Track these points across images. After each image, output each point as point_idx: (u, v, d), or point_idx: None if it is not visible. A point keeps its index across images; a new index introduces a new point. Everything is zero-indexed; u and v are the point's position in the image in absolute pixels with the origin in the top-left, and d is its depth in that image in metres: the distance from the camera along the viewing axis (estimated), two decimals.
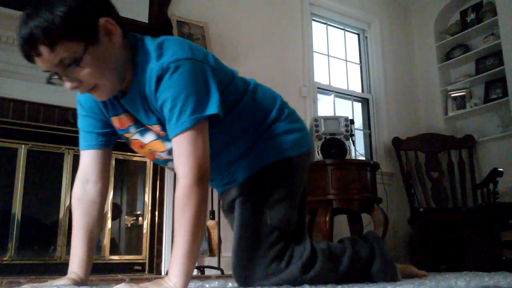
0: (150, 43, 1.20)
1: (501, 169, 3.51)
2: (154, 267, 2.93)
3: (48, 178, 2.80)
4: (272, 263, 1.26)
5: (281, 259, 1.27)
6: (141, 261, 2.91)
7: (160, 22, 3.19)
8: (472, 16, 4.39)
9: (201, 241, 1.10)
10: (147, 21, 3.14)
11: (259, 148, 1.36)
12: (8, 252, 2.51)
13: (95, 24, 1.07)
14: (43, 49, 1.01)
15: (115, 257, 2.85)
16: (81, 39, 1.04)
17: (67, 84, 1.09)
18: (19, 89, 2.64)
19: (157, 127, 1.24)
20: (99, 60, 1.08)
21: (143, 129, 1.28)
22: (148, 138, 1.29)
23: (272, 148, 1.37)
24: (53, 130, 2.72)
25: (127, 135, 1.32)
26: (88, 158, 1.33)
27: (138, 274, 2.82)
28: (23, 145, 2.65)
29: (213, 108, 1.12)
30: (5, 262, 2.49)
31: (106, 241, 2.81)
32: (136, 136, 1.30)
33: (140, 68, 1.16)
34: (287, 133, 1.40)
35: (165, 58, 1.13)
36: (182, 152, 1.10)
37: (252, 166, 1.35)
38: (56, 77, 1.08)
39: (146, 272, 2.86)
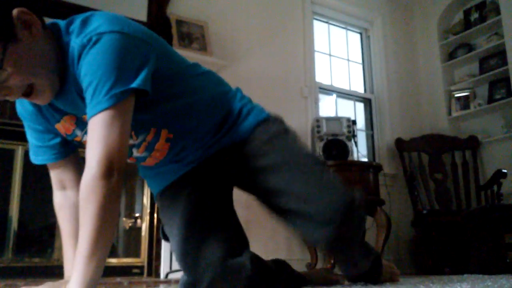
0: (74, 22, 1.05)
1: (505, 171, 3.48)
2: (152, 270, 2.90)
3: (46, 179, 2.75)
4: None
5: None
6: (139, 264, 2.88)
7: (159, 21, 3.17)
8: (476, 15, 4.35)
9: (107, 244, 0.94)
10: (146, 20, 3.12)
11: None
12: (6, 255, 2.49)
13: (9, 18, 0.93)
14: None
15: (113, 260, 2.82)
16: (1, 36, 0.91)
17: None
18: None
19: None
20: (23, 58, 0.95)
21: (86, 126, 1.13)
22: None
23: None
24: None
25: (77, 139, 1.19)
26: (54, 169, 1.24)
27: (136, 277, 2.80)
28: (20, 146, 2.63)
29: (136, 83, 0.97)
30: (2, 265, 2.47)
31: None
32: (85, 137, 1.14)
33: (67, 52, 1.02)
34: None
35: (86, 31, 0.99)
36: (93, 138, 0.95)
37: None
38: None
39: (145, 276, 2.84)
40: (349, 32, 4.50)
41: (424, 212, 3.69)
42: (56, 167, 1.24)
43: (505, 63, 3.96)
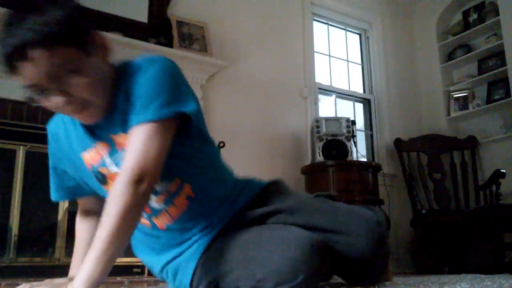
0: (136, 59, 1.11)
1: (504, 171, 3.49)
2: None
3: (47, 180, 2.77)
4: None
5: None
6: (140, 263, 2.89)
7: (159, 22, 3.18)
8: (475, 16, 4.36)
9: (120, 249, 0.94)
10: (146, 21, 3.13)
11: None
12: (7, 254, 2.50)
13: (89, 34, 0.99)
14: (39, 53, 0.88)
15: None
16: (78, 46, 0.94)
17: (55, 100, 0.95)
18: (18, 90, 2.62)
19: None
20: (92, 72, 0.97)
21: (119, 156, 1.10)
22: None
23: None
24: None
25: (103, 170, 1.13)
26: (80, 202, 1.29)
27: (137, 276, 2.80)
28: (21, 146, 2.64)
29: (187, 108, 1.00)
30: (4, 264, 2.47)
31: None
32: (113, 168, 1.12)
33: (123, 82, 1.05)
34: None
35: (144, 59, 1.06)
36: (132, 145, 0.96)
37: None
38: (39, 94, 0.95)
39: (146, 275, 2.84)
40: (348, 33, 4.52)
41: (423, 212, 3.71)
42: (81, 201, 1.29)
43: (503, 63, 3.98)
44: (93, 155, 1.13)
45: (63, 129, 1.17)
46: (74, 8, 0.97)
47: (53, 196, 1.27)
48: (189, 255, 1.19)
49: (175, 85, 1.02)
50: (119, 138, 1.08)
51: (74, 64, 0.93)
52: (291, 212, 1.21)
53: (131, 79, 1.03)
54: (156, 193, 1.13)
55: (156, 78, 1.00)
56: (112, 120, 1.06)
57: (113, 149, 1.10)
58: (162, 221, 1.18)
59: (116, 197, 0.93)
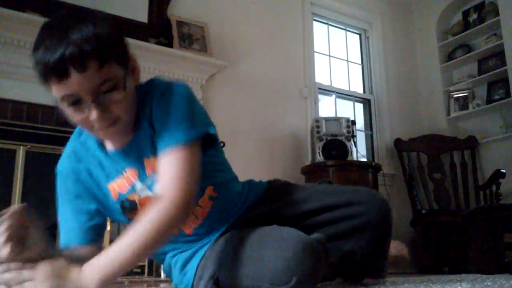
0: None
1: (504, 171, 3.49)
2: (153, 269, 2.91)
3: (47, 180, 2.76)
4: None
5: None
6: (140, 263, 2.89)
7: (159, 22, 3.18)
8: (475, 16, 4.36)
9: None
10: (146, 21, 3.13)
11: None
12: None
13: (129, 56, 1.03)
14: (92, 65, 0.90)
15: None
16: (123, 64, 0.98)
17: (91, 113, 0.94)
18: (18, 90, 2.62)
19: None
20: (129, 91, 1.00)
21: (150, 179, 1.12)
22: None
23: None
24: (52, 131, 2.70)
25: (132, 196, 1.13)
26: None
27: (137, 276, 2.80)
28: (21, 146, 2.64)
29: (211, 127, 1.08)
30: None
31: (105, 243, 2.79)
32: (145, 193, 1.12)
33: (145, 107, 1.09)
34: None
35: (164, 83, 1.09)
36: (170, 167, 0.99)
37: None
38: (74, 105, 0.94)
39: (146, 275, 2.84)
40: (348, 33, 4.52)
41: (423, 212, 3.71)
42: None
43: (503, 63, 3.98)
44: (121, 183, 1.13)
45: (82, 165, 1.15)
46: (118, 28, 1.01)
47: (76, 240, 1.14)
48: (198, 248, 1.22)
49: (196, 108, 1.08)
50: (149, 161, 1.10)
51: (118, 81, 0.96)
52: (305, 200, 1.28)
53: (155, 104, 1.06)
54: None
55: (180, 104, 1.04)
56: (139, 144, 1.09)
57: (143, 173, 1.11)
58: (189, 226, 1.20)
59: (159, 210, 0.94)
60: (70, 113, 0.97)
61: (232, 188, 1.26)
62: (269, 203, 1.29)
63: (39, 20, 2.63)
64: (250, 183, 1.35)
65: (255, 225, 1.17)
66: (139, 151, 1.10)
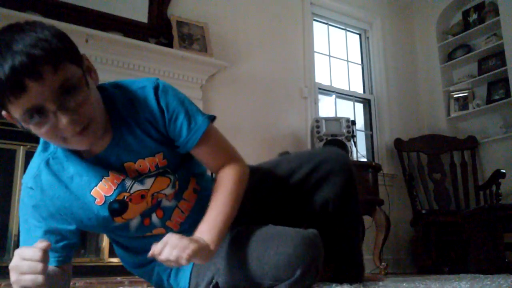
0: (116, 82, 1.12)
1: (504, 171, 3.49)
2: None
3: None
4: None
5: None
6: None
7: (159, 22, 3.18)
8: (475, 16, 4.37)
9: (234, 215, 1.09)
10: (146, 21, 3.13)
11: None
12: (7, 255, 2.50)
13: (80, 54, 0.97)
14: (46, 69, 0.85)
15: (114, 260, 2.82)
16: (77, 63, 0.93)
17: (60, 121, 0.89)
18: None
19: (159, 156, 1.10)
20: (91, 89, 0.96)
21: (141, 175, 1.10)
22: (149, 181, 1.11)
23: None
24: None
25: (121, 196, 1.09)
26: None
27: (137, 276, 2.80)
28: (21, 147, 2.64)
29: (207, 114, 1.15)
30: (4, 264, 2.47)
31: (105, 244, 2.79)
32: (135, 187, 1.10)
33: (121, 113, 1.06)
34: None
35: (148, 81, 1.11)
36: (215, 147, 1.14)
37: None
38: (40, 117, 0.89)
39: None
40: (348, 33, 4.52)
41: (423, 212, 3.71)
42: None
43: (503, 63, 3.98)
44: (106, 186, 1.08)
45: (57, 178, 1.08)
46: (61, 31, 0.94)
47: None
48: None
49: (188, 100, 1.15)
50: (130, 166, 1.09)
51: (77, 80, 0.91)
52: (271, 170, 1.36)
53: (142, 109, 1.07)
54: (170, 185, 1.15)
55: (183, 98, 1.12)
56: (118, 150, 1.06)
57: (127, 176, 1.09)
58: (175, 221, 1.19)
59: (242, 180, 1.14)
60: (37, 128, 0.90)
61: (210, 183, 1.27)
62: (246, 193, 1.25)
63: (39, 20, 2.64)
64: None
65: (242, 220, 1.17)
66: (120, 156, 1.07)
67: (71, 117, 0.90)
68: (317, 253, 1.04)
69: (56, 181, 1.08)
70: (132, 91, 1.08)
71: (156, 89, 1.08)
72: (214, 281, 1.13)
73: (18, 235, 2.54)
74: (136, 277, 2.76)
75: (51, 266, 1.07)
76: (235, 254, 1.10)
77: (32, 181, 1.09)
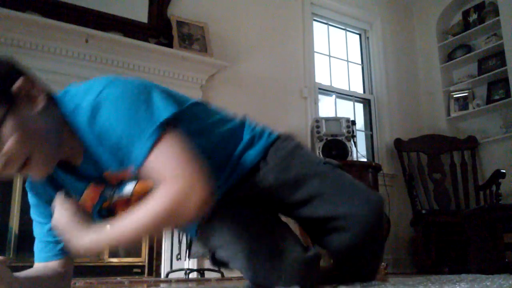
0: (72, 89, 0.99)
1: (504, 171, 3.49)
2: (153, 269, 2.91)
3: None
4: None
5: None
6: (140, 263, 2.90)
7: (159, 23, 3.18)
8: (475, 16, 4.36)
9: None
10: (146, 21, 3.13)
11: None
12: (7, 255, 2.50)
13: (10, 85, 0.89)
14: None
15: (114, 260, 2.83)
16: (1, 102, 0.86)
17: None
18: None
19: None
20: (23, 126, 0.88)
21: (118, 184, 1.07)
22: (129, 187, 1.06)
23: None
24: None
25: (106, 204, 1.09)
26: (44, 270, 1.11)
27: (137, 276, 2.80)
28: None
29: (166, 111, 0.91)
30: None
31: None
32: (116, 196, 1.08)
33: (75, 120, 0.95)
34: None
35: (90, 95, 0.92)
36: (162, 167, 0.88)
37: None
38: None
39: (146, 275, 2.85)
40: (348, 33, 4.52)
41: (423, 212, 3.70)
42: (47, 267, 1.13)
43: (503, 63, 3.98)
44: (91, 194, 1.08)
45: (49, 181, 1.10)
46: None
47: (39, 257, 1.13)
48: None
49: (140, 100, 0.92)
50: (110, 174, 1.03)
51: None
52: (301, 202, 1.21)
53: (94, 120, 0.91)
54: None
55: (121, 112, 0.90)
56: (93, 162, 1.01)
57: (107, 185, 1.07)
58: None
59: (167, 196, 0.87)
60: None
61: (220, 152, 1.18)
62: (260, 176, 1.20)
63: (39, 20, 2.64)
64: (252, 140, 1.26)
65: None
66: (96, 166, 1.02)
67: (3, 163, 0.87)
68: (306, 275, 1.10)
69: (48, 185, 1.10)
70: (67, 113, 0.96)
71: (87, 113, 0.91)
72: (211, 251, 1.18)
73: (18, 235, 2.54)
74: (136, 277, 2.77)
75: (53, 266, 1.11)
76: (231, 231, 1.14)
77: (28, 184, 1.13)
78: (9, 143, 0.86)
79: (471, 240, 3.11)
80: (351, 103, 4.31)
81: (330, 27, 4.39)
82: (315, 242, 1.26)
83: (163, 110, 0.91)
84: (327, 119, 3.52)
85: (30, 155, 0.90)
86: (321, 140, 3.44)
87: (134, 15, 3.08)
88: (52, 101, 0.97)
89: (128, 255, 2.97)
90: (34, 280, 1.06)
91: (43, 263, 1.13)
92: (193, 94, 3.15)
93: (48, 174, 0.99)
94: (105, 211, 1.10)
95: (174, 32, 3.16)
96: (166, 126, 0.89)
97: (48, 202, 1.09)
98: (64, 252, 1.13)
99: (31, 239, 2.56)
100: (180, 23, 3.23)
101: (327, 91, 4.16)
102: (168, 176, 0.87)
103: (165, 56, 3.06)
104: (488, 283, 1.46)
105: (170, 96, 0.99)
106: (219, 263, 1.20)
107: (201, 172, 0.88)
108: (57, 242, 1.11)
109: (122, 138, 0.89)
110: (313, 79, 3.95)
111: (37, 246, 1.15)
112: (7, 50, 2.57)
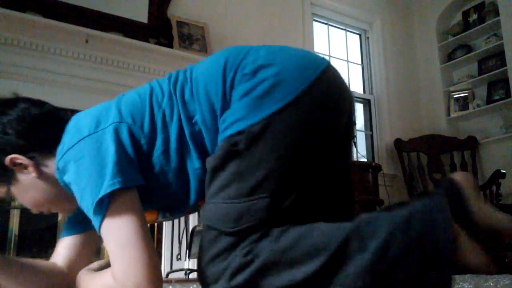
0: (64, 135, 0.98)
1: (504, 171, 3.49)
2: None
3: None
4: None
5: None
6: None
7: (159, 23, 3.18)
8: (475, 16, 4.36)
9: None
10: (146, 22, 3.13)
11: None
12: (7, 255, 2.50)
13: (3, 165, 0.96)
14: None
15: None
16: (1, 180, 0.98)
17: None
18: (18, 90, 2.61)
19: None
20: (28, 194, 1.00)
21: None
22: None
23: None
24: None
25: None
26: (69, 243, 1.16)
27: None
28: None
29: (108, 185, 0.83)
30: None
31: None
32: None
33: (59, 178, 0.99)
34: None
35: (59, 153, 0.93)
36: (107, 246, 0.83)
37: None
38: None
39: None
40: (348, 33, 4.52)
41: None
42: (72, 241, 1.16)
43: (504, 64, 3.98)
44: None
45: None
46: None
47: (67, 233, 1.16)
48: None
49: (92, 169, 0.86)
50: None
51: (2, 196, 0.99)
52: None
53: (64, 182, 0.95)
54: (163, 216, 1.12)
55: (74, 177, 0.88)
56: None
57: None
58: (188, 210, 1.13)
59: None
60: None
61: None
62: None
63: (40, 20, 2.64)
64: None
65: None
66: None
67: (34, 212, 1.04)
68: None
69: None
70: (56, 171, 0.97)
71: (59, 175, 0.94)
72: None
73: (19, 235, 2.54)
74: None
75: (60, 267, 1.13)
76: None
77: None
78: (29, 205, 1.01)
79: None
80: None
81: (330, 27, 4.39)
82: None
83: (107, 183, 0.83)
84: None
85: (47, 210, 1.04)
86: None
87: (134, 15, 3.07)
88: (44, 161, 0.99)
89: None
90: (33, 268, 1.08)
91: (52, 263, 1.14)
92: None
93: (72, 212, 1.08)
94: None
95: (174, 32, 3.16)
96: (109, 196, 0.83)
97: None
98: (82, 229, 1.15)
99: (31, 239, 2.55)
100: (180, 23, 3.23)
101: None
102: (111, 260, 0.83)
103: (165, 56, 3.06)
104: (491, 284, 1.46)
105: (126, 157, 0.89)
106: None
107: (138, 258, 0.80)
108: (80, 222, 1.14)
109: (81, 206, 0.89)
110: None
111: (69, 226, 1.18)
112: (7, 50, 2.57)
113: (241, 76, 0.93)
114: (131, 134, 0.92)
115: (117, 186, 0.83)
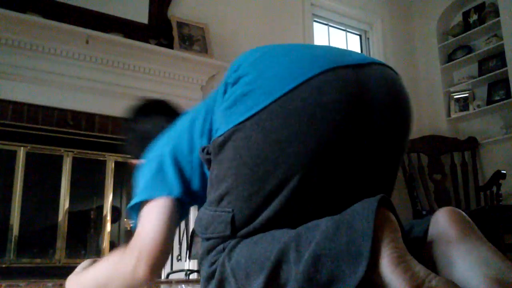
0: None
1: (504, 171, 3.49)
2: None
3: (47, 180, 2.78)
4: None
5: None
6: None
7: (160, 23, 3.18)
8: (475, 17, 4.36)
9: None
10: (146, 22, 3.13)
11: None
12: (7, 255, 2.50)
13: None
14: None
15: None
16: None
17: None
18: (18, 91, 2.62)
19: None
20: None
21: None
22: None
23: None
24: (52, 132, 2.70)
25: None
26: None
27: None
28: (22, 147, 2.64)
29: (165, 191, 0.96)
30: (4, 266, 2.47)
31: (106, 244, 2.79)
32: None
33: None
34: None
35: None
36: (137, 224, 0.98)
37: None
38: None
39: None
40: (348, 34, 4.52)
41: (424, 213, 3.70)
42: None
43: (504, 64, 3.98)
44: None
45: None
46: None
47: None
48: None
49: (155, 172, 0.99)
50: None
51: None
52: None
53: None
54: None
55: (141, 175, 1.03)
56: None
57: None
58: None
59: (116, 271, 0.94)
60: None
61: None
62: None
63: (40, 21, 2.64)
64: None
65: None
66: None
67: None
68: None
69: None
70: None
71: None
72: None
73: (18, 236, 2.54)
74: None
75: None
76: None
77: None
78: None
79: None
80: None
81: (330, 28, 4.39)
82: None
83: (149, 190, 0.97)
84: None
85: None
86: None
87: (134, 15, 3.08)
88: None
89: None
90: None
91: None
92: (193, 95, 3.15)
93: None
94: None
95: (175, 33, 3.16)
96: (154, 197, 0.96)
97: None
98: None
99: (31, 239, 2.56)
100: (181, 24, 3.23)
101: None
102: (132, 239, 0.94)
103: (165, 57, 3.06)
104: None
105: (180, 172, 0.99)
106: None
107: (152, 254, 0.90)
108: None
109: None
110: None
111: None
112: (8, 51, 2.57)
113: (227, 85, 1.03)
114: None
115: (142, 199, 0.98)
